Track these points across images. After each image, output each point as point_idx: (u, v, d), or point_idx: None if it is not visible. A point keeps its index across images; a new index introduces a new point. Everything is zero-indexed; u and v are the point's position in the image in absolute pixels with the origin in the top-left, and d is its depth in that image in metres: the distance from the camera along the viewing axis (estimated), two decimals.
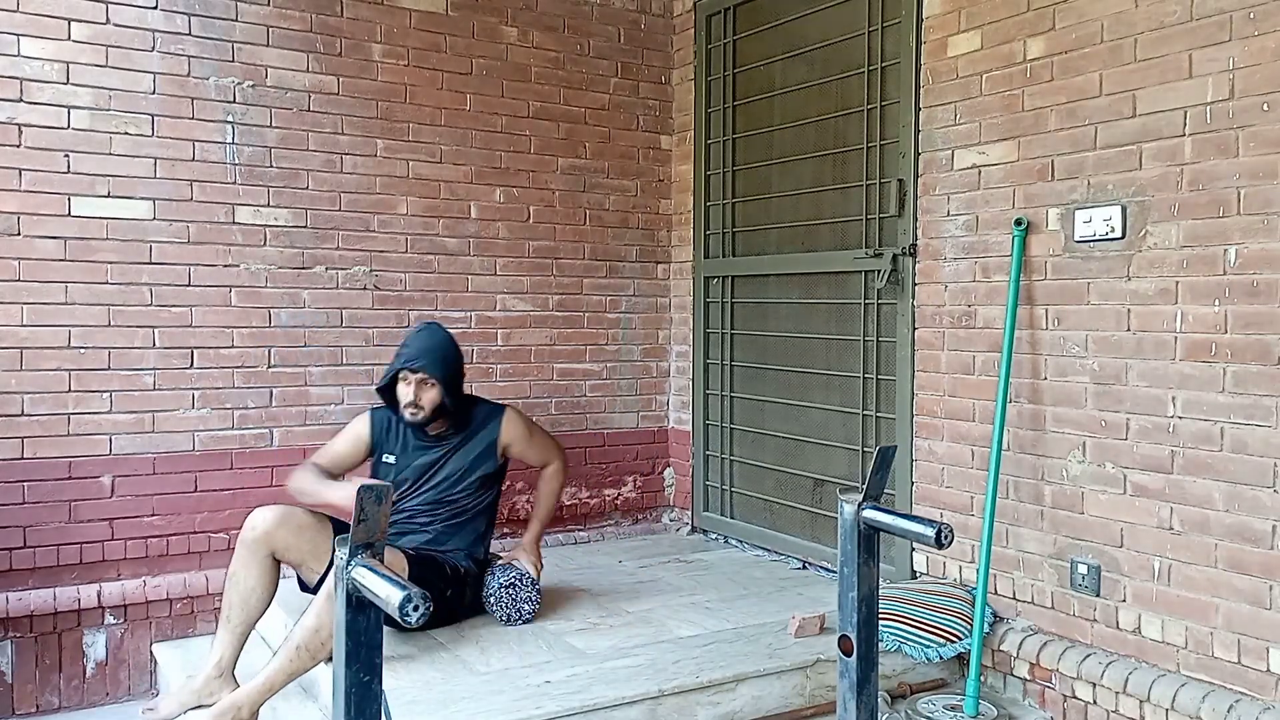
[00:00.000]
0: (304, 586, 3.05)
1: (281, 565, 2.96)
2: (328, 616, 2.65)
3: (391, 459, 3.22)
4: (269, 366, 3.66)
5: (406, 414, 3.12)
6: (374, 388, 3.31)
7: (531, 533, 3.36)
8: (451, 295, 3.99)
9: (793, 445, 3.93)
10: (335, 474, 3.16)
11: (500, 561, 3.26)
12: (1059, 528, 2.92)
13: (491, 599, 3.12)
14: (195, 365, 3.53)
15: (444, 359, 3.14)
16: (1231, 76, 2.51)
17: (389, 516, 1.64)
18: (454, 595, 3.06)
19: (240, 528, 3.58)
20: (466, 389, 3.34)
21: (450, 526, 3.19)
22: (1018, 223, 2.98)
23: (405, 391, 3.12)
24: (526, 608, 3.12)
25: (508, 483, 4.09)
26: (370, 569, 1.56)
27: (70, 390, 3.35)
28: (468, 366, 4.01)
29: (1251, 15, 2.47)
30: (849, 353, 3.68)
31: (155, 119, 3.45)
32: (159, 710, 2.83)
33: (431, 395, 3.11)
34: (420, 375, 3.10)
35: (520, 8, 4.10)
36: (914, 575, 3.37)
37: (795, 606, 3.30)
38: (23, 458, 3.29)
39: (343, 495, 2.92)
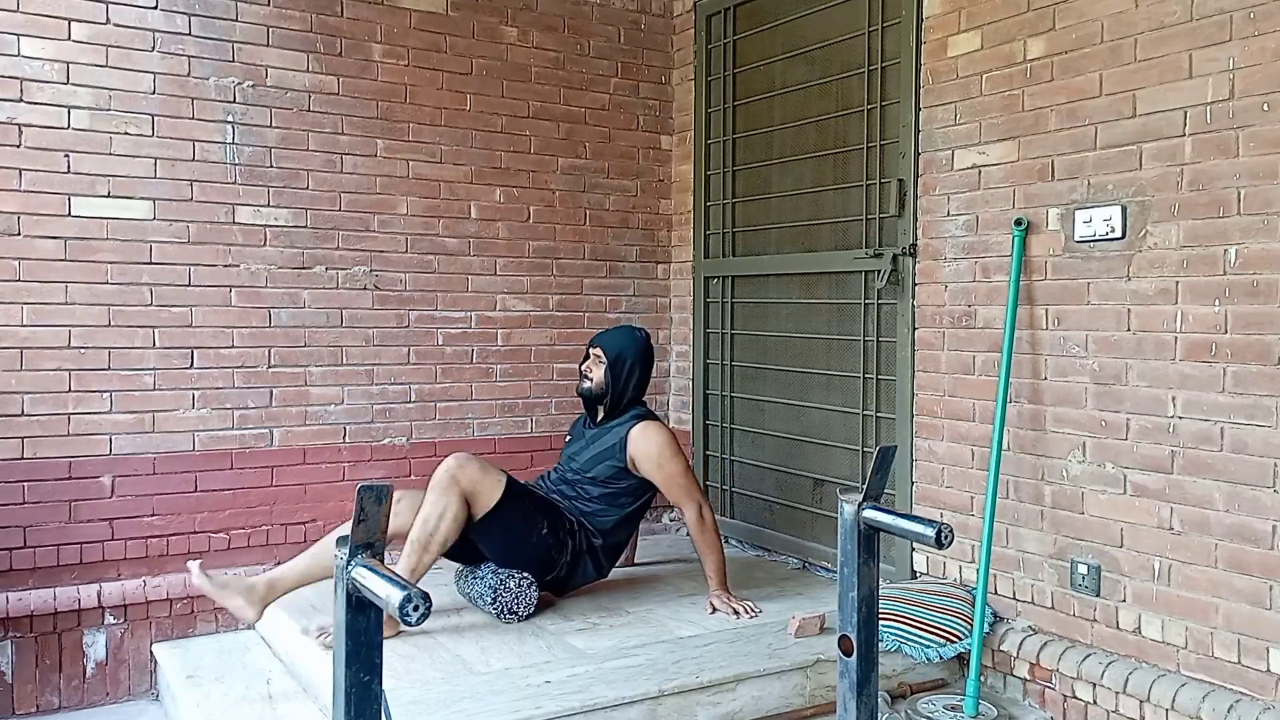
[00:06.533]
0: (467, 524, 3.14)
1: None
2: (435, 504, 3.01)
3: (568, 438, 3.62)
4: (269, 366, 3.66)
5: (580, 383, 3.51)
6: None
7: (713, 585, 3.33)
8: (451, 295, 3.99)
9: (793, 445, 3.93)
10: None
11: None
12: (1059, 528, 2.92)
13: (490, 594, 3.13)
14: (195, 365, 3.53)
15: (621, 346, 3.43)
16: (1231, 76, 2.51)
17: (389, 517, 1.64)
18: (553, 542, 3.23)
19: (240, 527, 3.60)
20: (645, 397, 3.53)
21: (585, 503, 3.37)
22: (1018, 223, 2.98)
23: (583, 363, 3.51)
24: (521, 608, 3.13)
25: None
26: (370, 569, 1.56)
27: (70, 390, 3.35)
28: (468, 366, 4.04)
29: (1251, 15, 2.47)
30: (849, 353, 3.68)
31: (155, 119, 3.45)
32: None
33: (599, 372, 3.43)
34: (596, 350, 3.47)
35: (520, 8, 4.10)
36: (914, 575, 3.37)
37: (795, 606, 3.30)
38: (23, 458, 3.29)
39: None
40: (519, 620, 3.13)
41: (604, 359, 3.42)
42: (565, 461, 3.51)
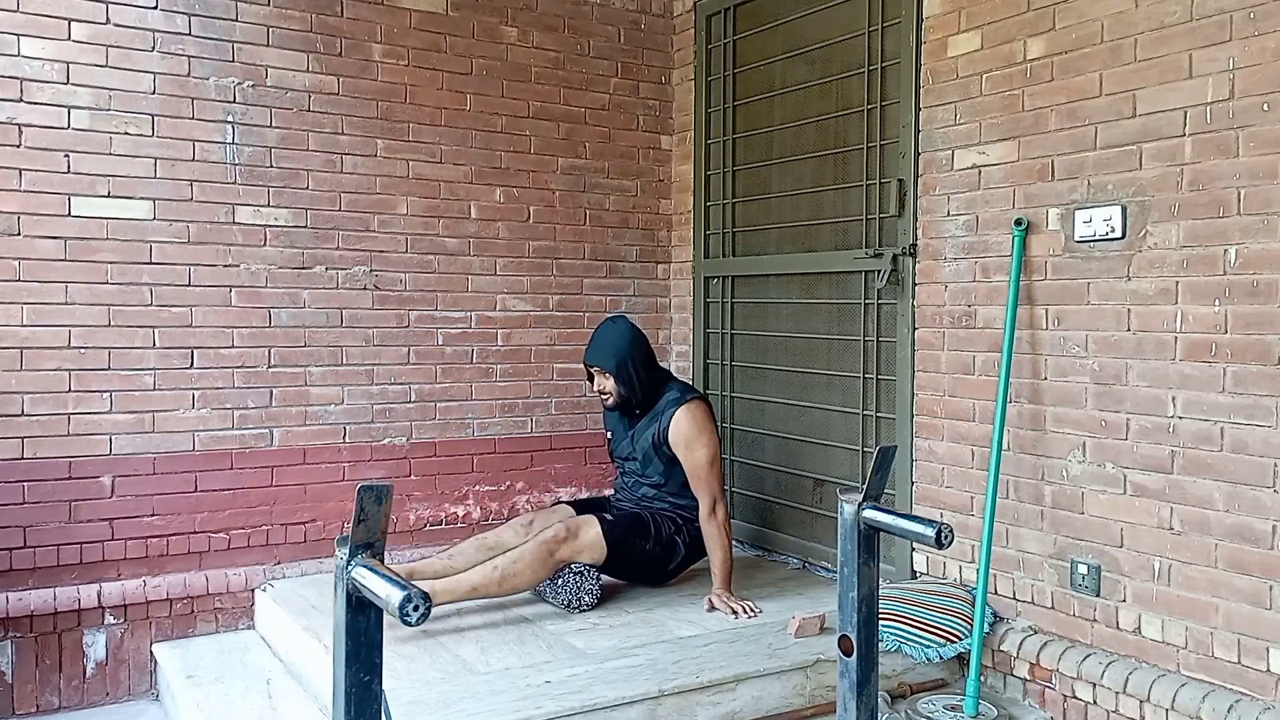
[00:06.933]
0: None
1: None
2: (525, 562, 3.15)
3: (610, 434, 3.69)
4: (269, 366, 3.66)
5: (603, 401, 3.58)
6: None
7: (715, 583, 3.37)
8: (451, 295, 3.99)
9: (793, 445, 3.93)
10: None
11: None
12: (1059, 528, 2.92)
13: (558, 584, 3.25)
14: (195, 365, 3.53)
15: (614, 350, 3.46)
16: (1231, 76, 2.51)
17: (389, 516, 1.64)
18: (661, 553, 3.43)
19: (240, 527, 3.60)
20: (658, 367, 3.61)
21: (666, 495, 3.50)
22: (1018, 223, 2.98)
23: (594, 384, 3.56)
24: (588, 598, 3.27)
25: (507, 482, 4.12)
26: (370, 569, 1.56)
27: (70, 390, 3.35)
28: (468, 366, 4.04)
29: (1251, 15, 2.47)
30: (849, 353, 3.68)
31: (155, 119, 3.45)
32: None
33: (610, 384, 3.49)
34: (595, 368, 3.51)
35: (520, 8, 4.10)
36: (914, 575, 3.37)
37: (795, 606, 3.30)
38: (23, 458, 3.29)
39: None
40: (588, 609, 3.25)
41: (606, 372, 3.48)
42: (626, 469, 3.62)
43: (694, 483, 3.41)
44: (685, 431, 3.40)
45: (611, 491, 3.81)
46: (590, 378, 3.57)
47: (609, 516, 3.36)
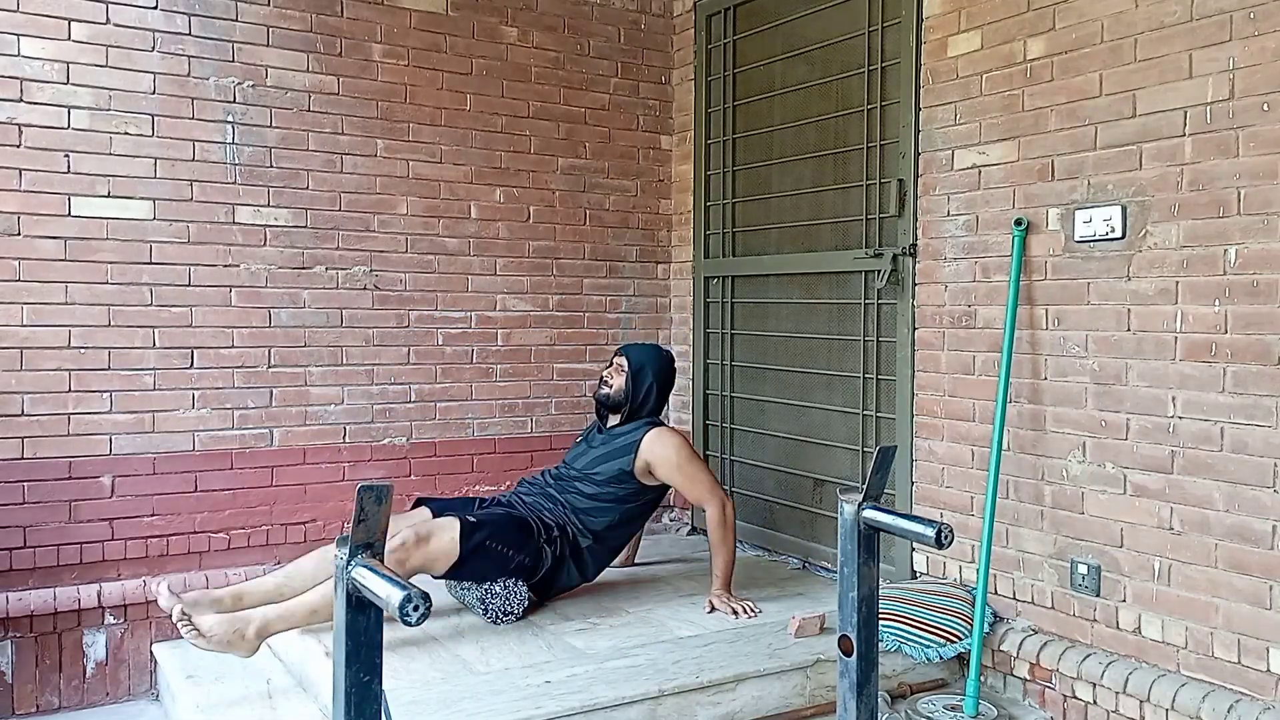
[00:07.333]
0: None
1: None
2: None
3: (577, 440, 3.63)
4: (269, 366, 3.66)
5: (597, 388, 3.55)
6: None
7: (716, 584, 3.33)
8: (451, 295, 3.99)
9: (793, 445, 3.93)
10: None
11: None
12: (1059, 528, 2.92)
13: (480, 605, 3.12)
14: (195, 365, 3.53)
15: (645, 359, 3.50)
16: (1231, 76, 2.51)
17: (389, 516, 1.64)
18: (527, 560, 3.14)
19: (240, 527, 3.60)
20: (661, 411, 3.61)
21: (579, 501, 3.35)
22: (1018, 223, 2.98)
23: (606, 371, 3.56)
24: (514, 611, 3.12)
25: (507, 482, 4.11)
26: (370, 569, 1.56)
27: (70, 390, 3.35)
28: (468, 366, 4.04)
29: (1251, 15, 2.47)
30: (849, 353, 3.68)
31: (155, 119, 3.45)
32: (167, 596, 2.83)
33: (619, 380, 3.48)
34: (620, 359, 3.53)
35: (520, 8, 4.10)
36: (914, 575, 3.37)
37: (795, 606, 3.30)
38: (23, 458, 3.29)
39: None
40: (515, 620, 3.13)
41: (626, 368, 3.47)
42: (566, 463, 3.52)
43: (697, 493, 3.36)
44: (667, 452, 3.32)
45: (493, 490, 3.75)
46: (609, 364, 3.58)
47: (472, 517, 3.08)
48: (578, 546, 3.30)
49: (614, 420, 3.52)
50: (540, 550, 3.19)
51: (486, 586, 3.11)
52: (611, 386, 3.49)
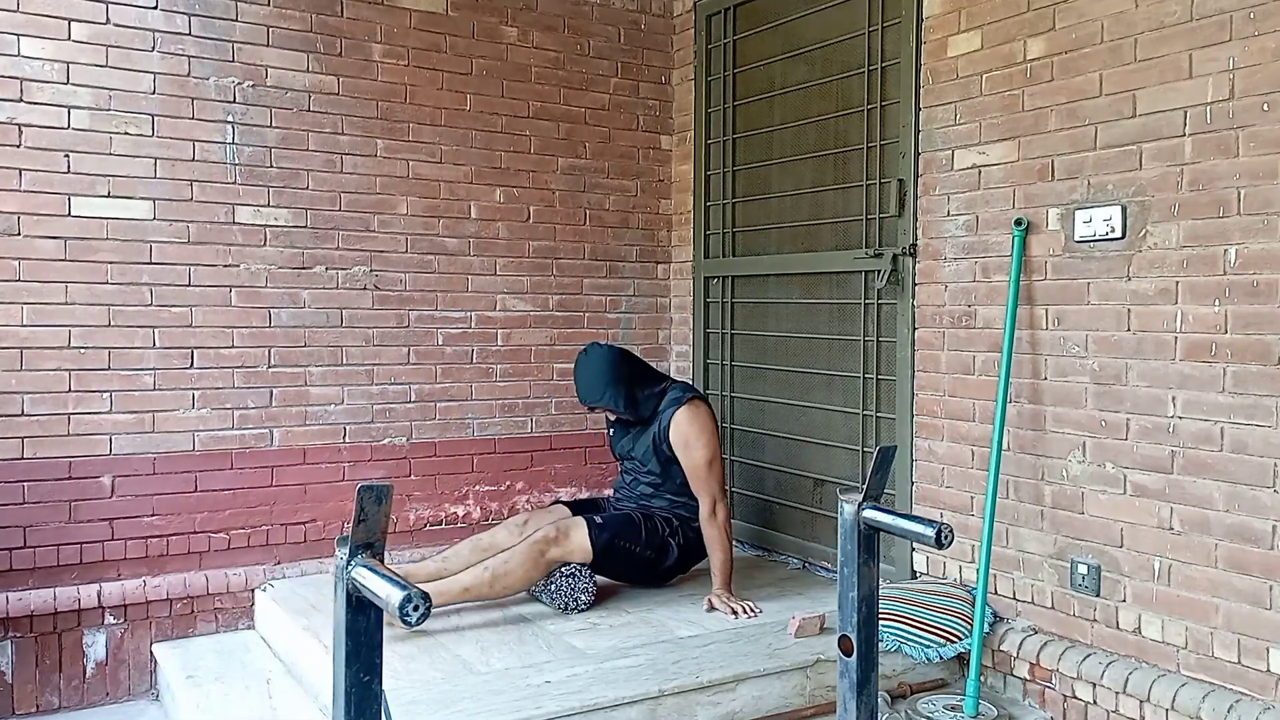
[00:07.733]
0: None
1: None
2: (516, 563, 3.16)
3: (610, 430, 3.72)
4: (269, 366, 3.66)
5: (613, 424, 3.67)
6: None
7: (716, 583, 3.37)
8: (451, 295, 3.99)
9: (793, 445, 3.93)
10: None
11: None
12: (1059, 528, 2.92)
13: (552, 588, 3.26)
14: (195, 365, 3.53)
15: (602, 384, 3.46)
16: (1231, 76, 2.51)
17: (389, 516, 1.64)
18: (654, 556, 3.41)
19: (240, 527, 3.60)
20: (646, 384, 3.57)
21: (656, 488, 3.52)
22: (1018, 223, 2.98)
23: (603, 414, 3.67)
24: (583, 598, 3.26)
25: (507, 482, 4.12)
26: (370, 569, 1.56)
27: (70, 390, 3.35)
28: (468, 366, 4.04)
29: (1251, 15, 2.47)
30: (849, 353, 3.68)
31: (155, 119, 3.45)
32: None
33: (616, 412, 3.52)
34: (597, 410, 3.60)
35: (520, 8, 4.10)
36: (914, 575, 3.37)
37: (795, 606, 3.30)
38: (23, 458, 3.29)
39: None
40: (584, 609, 3.26)
41: (603, 405, 3.50)
42: (628, 466, 3.62)
43: (693, 483, 3.41)
44: (684, 432, 3.40)
45: (610, 491, 3.81)
46: (591, 410, 3.64)
47: (599, 519, 3.33)
48: (693, 529, 3.44)
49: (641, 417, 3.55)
50: (665, 545, 3.42)
51: (552, 576, 3.26)
52: (614, 416, 3.56)
